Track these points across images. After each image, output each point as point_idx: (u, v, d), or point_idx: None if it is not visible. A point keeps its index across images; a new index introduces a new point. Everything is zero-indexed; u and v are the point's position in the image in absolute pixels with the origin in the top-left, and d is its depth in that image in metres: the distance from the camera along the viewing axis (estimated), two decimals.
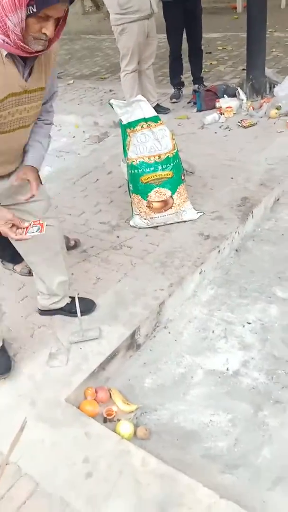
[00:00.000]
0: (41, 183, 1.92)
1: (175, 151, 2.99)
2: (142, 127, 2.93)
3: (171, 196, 2.98)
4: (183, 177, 3.06)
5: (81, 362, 2.09)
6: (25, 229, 1.72)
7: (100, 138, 4.74)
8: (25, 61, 1.58)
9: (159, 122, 2.96)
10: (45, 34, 1.46)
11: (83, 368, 2.06)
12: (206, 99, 4.81)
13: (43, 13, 1.41)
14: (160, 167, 2.94)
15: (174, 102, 5.19)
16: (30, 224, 1.74)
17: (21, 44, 1.45)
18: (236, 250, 2.94)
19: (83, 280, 2.65)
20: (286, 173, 3.49)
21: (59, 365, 2.08)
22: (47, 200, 2.09)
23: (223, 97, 4.83)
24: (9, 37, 1.43)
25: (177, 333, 2.39)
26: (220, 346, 2.28)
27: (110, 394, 2.01)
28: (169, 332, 2.40)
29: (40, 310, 2.41)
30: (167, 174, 2.96)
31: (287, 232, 3.06)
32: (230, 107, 4.63)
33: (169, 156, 2.95)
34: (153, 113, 2.96)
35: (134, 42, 4.41)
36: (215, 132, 4.35)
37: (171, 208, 3.00)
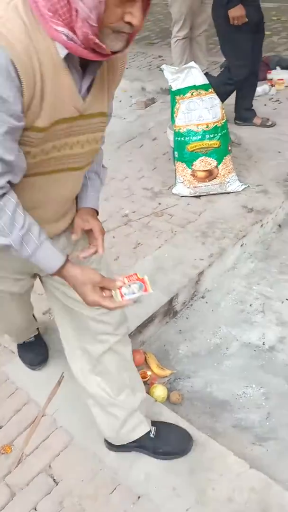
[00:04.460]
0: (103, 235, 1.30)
1: (223, 120, 2.91)
2: (192, 94, 2.86)
3: (217, 166, 2.92)
4: (230, 148, 2.98)
5: None
6: (118, 291, 1.12)
7: (146, 104, 4.66)
8: (84, 70, 1.02)
9: (210, 90, 2.88)
10: (129, 23, 0.91)
11: None
12: None
13: None
14: (207, 136, 2.88)
15: None
16: (124, 282, 1.13)
17: (96, 41, 0.91)
18: (279, 226, 2.88)
19: (123, 244, 2.65)
20: None
21: None
22: (107, 269, 1.45)
23: (275, 68, 4.65)
24: (76, 31, 0.91)
25: (214, 303, 2.38)
26: (257, 320, 2.26)
27: (145, 357, 2.03)
28: (207, 302, 2.39)
29: None
30: (214, 144, 2.89)
31: None
32: (282, 79, 4.43)
33: (218, 125, 2.88)
34: (204, 80, 2.88)
35: (188, 7, 4.26)
36: (265, 105, 4.19)
37: (215, 178, 2.94)
